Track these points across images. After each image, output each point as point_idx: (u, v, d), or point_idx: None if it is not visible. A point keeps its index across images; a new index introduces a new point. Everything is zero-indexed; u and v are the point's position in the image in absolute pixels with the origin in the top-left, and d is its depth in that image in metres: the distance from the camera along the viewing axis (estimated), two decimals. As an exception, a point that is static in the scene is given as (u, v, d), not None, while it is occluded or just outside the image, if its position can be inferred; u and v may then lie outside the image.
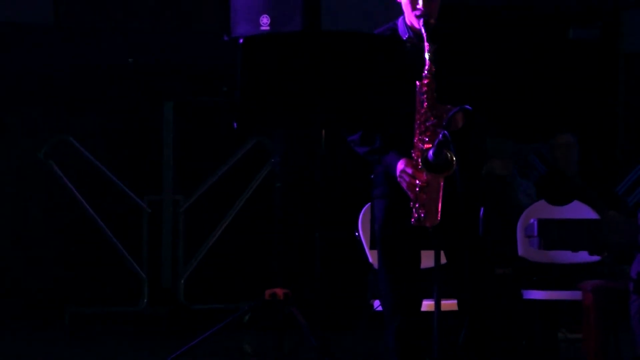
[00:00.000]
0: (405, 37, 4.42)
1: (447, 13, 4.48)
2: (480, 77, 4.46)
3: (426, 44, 4.20)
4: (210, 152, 8.38)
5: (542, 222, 6.04)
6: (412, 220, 4.20)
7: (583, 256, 6.41)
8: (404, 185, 4.27)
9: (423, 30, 4.23)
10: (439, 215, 4.17)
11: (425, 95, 4.22)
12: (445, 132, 4.10)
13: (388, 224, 4.45)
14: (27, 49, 8.17)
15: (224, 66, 6.64)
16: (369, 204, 5.95)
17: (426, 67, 4.20)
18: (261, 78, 4.07)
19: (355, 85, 4.11)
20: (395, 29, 4.48)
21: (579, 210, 6.86)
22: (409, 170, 4.25)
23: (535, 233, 6.03)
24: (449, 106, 4.17)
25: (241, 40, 4.07)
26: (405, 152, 4.31)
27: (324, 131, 4.40)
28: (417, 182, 4.21)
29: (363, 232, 6.04)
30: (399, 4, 4.47)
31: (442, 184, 4.16)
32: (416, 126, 4.24)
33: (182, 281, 8.09)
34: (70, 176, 7.94)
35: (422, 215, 4.19)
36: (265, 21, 6.33)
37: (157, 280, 8.19)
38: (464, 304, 4.47)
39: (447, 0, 4.55)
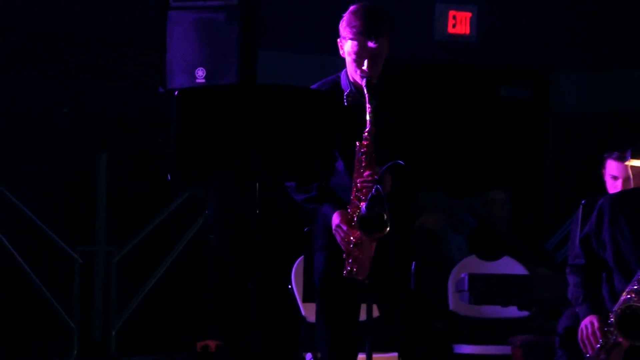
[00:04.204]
0: (347, 90, 4.46)
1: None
2: (413, 132, 4.51)
3: (368, 105, 4.26)
4: (144, 203, 8.34)
5: (473, 277, 6.13)
6: (344, 272, 4.27)
7: (512, 311, 6.48)
8: (338, 239, 4.34)
9: (365, 91, 4.28)
10: (369, 270, 4.25)
11: (364, 156, 4.28)
12: (379, 186, 4.15)
13: (327, 275, 4.49)
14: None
15: (159, 118, 6.64)
16: (302, 256, 5.97)
17: (366, 129, 4.26)
18: (196, 130, 4.09)
19: (289, 138, 4.14)
20: (337, 82, 4.50)
21: (509, 266, 6.94)
22: (344, 227, 4.31)
23: (466, 287, 6.11)
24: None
25: (176, 92, 4.09)
26: (341, 203, 4.36)
27: (257, 183, 4.42)
28: (351, 238, 4.27)
29: (296, 285, 6.04)
30: (335, 62, 4.52)
31: (375, 241, 4.23)
32: (353, 184, 4.30)
33: (114, 333, 8.00)
34: (1, 226, 7.85)
35: (355, 269, 4.27)
36: (200, 74, 6.36)
37: (88, 332, 8.09)
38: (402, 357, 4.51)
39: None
